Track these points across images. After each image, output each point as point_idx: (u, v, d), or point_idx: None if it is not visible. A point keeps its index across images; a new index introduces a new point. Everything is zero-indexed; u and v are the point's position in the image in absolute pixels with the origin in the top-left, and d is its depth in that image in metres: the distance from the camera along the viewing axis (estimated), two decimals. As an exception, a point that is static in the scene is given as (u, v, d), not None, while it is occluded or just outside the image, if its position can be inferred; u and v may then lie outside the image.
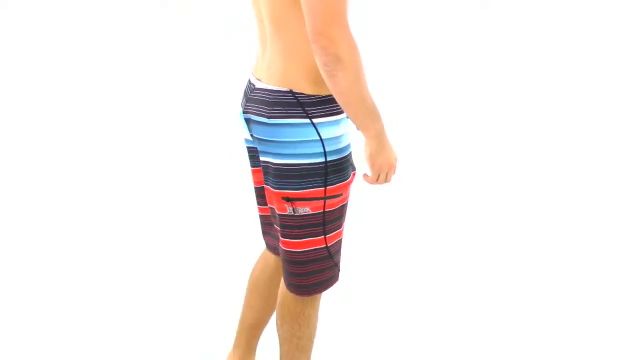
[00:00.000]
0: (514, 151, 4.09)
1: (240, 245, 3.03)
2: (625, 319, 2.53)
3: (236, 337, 2.10)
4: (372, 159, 1.55)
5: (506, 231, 3.17)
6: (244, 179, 3.71)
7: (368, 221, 3.26)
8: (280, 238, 1.70)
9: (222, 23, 6.96)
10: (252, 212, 3.34)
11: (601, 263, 2.90)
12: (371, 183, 1.61)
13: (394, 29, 6.69)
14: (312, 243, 1.67)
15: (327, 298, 2.65)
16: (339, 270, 1.77)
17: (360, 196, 3.50)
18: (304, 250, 1.68)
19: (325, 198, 1.63)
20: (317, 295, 1.79)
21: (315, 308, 1.81)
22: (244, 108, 1.65)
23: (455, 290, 2.71)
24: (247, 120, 1.64)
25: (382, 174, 1.58)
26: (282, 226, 1.67)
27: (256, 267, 2.02)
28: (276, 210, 1.66)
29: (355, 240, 3.08)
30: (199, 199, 3.47)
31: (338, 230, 1.71)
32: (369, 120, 1.49)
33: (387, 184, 3.41)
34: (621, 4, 7.45)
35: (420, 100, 4.93)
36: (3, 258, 2.90)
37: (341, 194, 1.65)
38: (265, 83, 1.59)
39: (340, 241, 1.74)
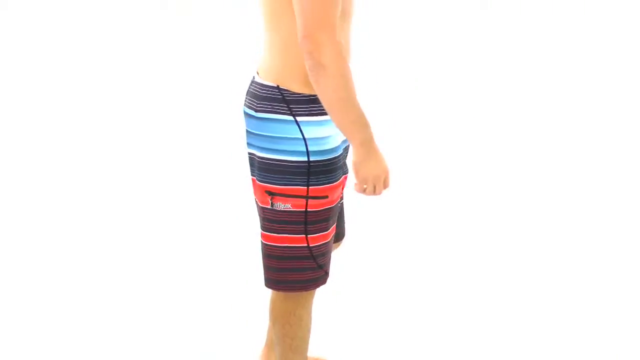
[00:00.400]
0: (514, 151, 4.08)
1: (241, 244, 3.02)
2: (625, 319, 2.51)
3: (267, 333, 2.12)
4: (356, 167, 1.54)
5: (509, 234, 3.16)
6: (245, 179, 3.70)
7: (369, 222, 3.25)
8: (261, 231, 1.71)
9: (222, 23, 6.96)
10: (252, 212, 3.33)
11: (601, 263, 2.90)
12: (358, 192, 1.60)
13: (394, 30, 6.68)
14: (292, 240, 1.67)
15: (324, 300, 2.64)
16: (325, 273, 1.75)
17: (361, 197, 3.49)
18: (282, 245, 1.68)
19: (307, 197, 1.62)
20: (308, 295, 1.78)
21: (307, 308, 1.80)
22: (244, 101, 1.68)
23: (454, 291, 2.70)
24: (244, 113, 1.68)
25: (368, 185, 1.56)
26: (263, 219, 1.68)
27: None
28: (258, 202, 1.68)
29: (355, 241, 3.08)
30: (199, 198, 3.46)
31: (324, 233, 1.69)
32: (354, 128, 1.49)
33: (377, 196, 3.39)
34: (621, 4, 7.44)
35: (422, 101, 4.92)
36: (3, 258, 2.90)
37: (327, 196, 1.64)
38: (259, 77, 1.63)
39: (326, 244, 1.72)
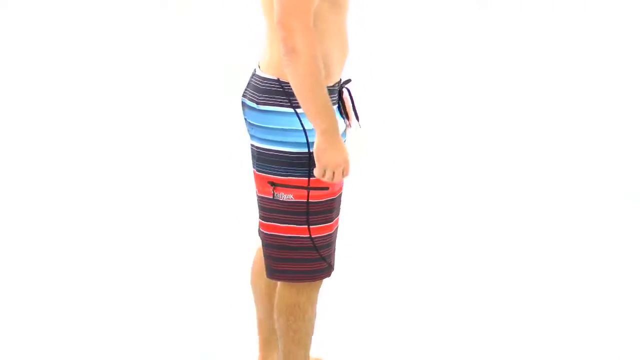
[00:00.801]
0: (513, 151, 4.09)
1: (242, 241, 3.03)
2: (625, 319, 2.52)
3: (258, 333, 2.11)
4: (317, 154, 1.59)
5: (506, 232, 3.17)
6: (249, 175, 3.71)
7: (369, 221, 3.26)
8: (260, 221, 1.74)
9: (222, 24, 6.97)
10: (252, 211, 3.34)
11: (600, 263, 2.90)
12: (317, 177, 1.64)
13: (392, 28, 6.69)
14: (293, 230, 1.70)
15: (324, 300, 2.65)
16: (329, 265, 1.77)
17: (360, 194, 3.50)
18: (283, 235, 1.71)
19: (308, 188, 1.66)
20: (312, 287, 1.79)
21: (311, 301, 1.81)
22: (243, 92, 1.73)
23: (454, 290, 2.71)
24: (243, 104, 1.72)
25: (327, 171, 1.60)
26: (264, 209, 1.71)
27: (255, 260, 2.04)
28: (259, 193, 1.71)
29: (357, 238, 3.08)
30: (201, 196, 3.47)
31: (327, 224, 1.72)
32: (319, 117, 1.53)
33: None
34: (621, 4, 7.45)
35: (418, 98, 4.93)
36: (3, 258, 2.90)
37: (327, 187, 1.68)
38: (260, 70, 1.68)
39: (330, 236, 1.74)
